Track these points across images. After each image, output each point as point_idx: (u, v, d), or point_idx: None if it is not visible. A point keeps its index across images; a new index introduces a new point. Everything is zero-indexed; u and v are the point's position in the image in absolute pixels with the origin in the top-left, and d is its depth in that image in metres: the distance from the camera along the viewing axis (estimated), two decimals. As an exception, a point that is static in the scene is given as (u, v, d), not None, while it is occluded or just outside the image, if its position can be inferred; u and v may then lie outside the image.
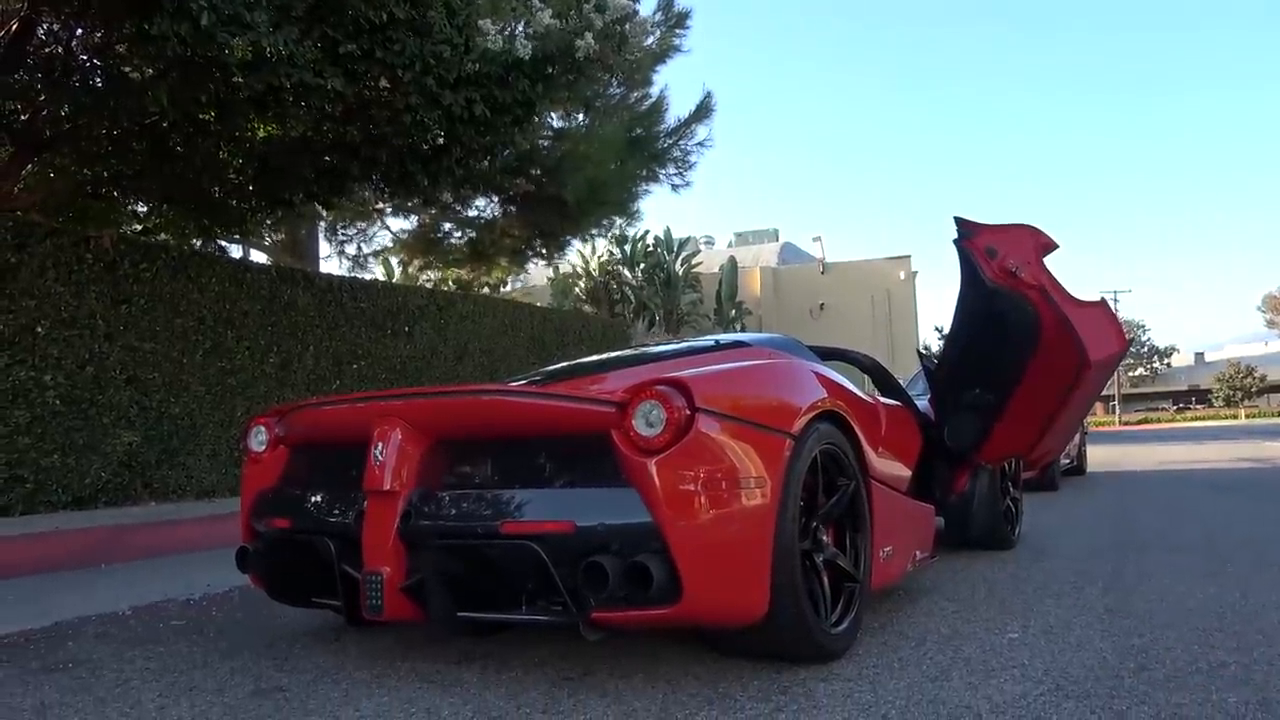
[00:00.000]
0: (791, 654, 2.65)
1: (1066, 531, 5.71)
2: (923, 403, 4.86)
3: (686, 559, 2.31)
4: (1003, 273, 4.07)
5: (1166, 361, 78.51)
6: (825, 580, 2.76)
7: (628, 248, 31.30)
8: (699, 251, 32.74)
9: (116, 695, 2.67)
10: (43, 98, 5.65)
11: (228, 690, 2.68)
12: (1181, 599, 3.48)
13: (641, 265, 31.48)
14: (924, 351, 7.25)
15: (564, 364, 3.76)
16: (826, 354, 4.72)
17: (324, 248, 11.95)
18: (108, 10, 4.88)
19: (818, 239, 35.81)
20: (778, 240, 46.03)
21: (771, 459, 2.50)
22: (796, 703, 2.35)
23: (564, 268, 28.87)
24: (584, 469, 2.48)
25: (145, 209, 8.15)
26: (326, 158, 6.76)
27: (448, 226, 13.76)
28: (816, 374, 3.06)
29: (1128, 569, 4.21)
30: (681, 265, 32.13)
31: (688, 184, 12.43)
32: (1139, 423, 68.14)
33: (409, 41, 5.58)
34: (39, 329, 5.96)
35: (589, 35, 6.19)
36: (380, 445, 2.62)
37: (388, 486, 2.58)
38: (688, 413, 2.36)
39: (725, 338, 3.92)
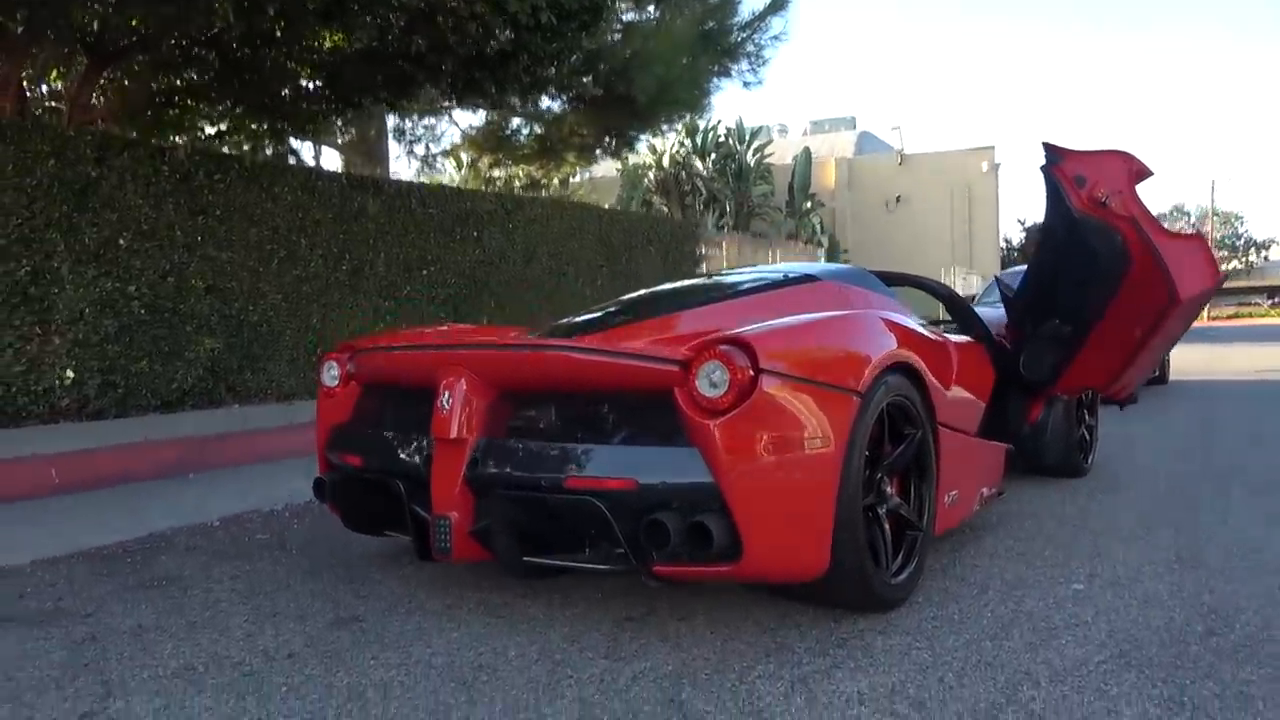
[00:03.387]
0: (851, 605, 2.68)
1: (1143, 457, 5.58)
2: (998, 313, 4.72)
3: (747, 520, 2.32)
4: (1091, 202, 3.86)
5: (1264, 254, 74.62)
6: (887, 530, 2.76)
7: (698, 138, 30.57)
8: (771, 141, 31.80)
9: (206, 620, 2.84)
10: (111, 9, 5.64)
11: (309, 618, 2.83)
12: (1260, 547, 3.40)
13: (712, 156, 30.79)
14: (1000, 276, 6.99)
15: (630, 298, 3.72)
16: (898, 280, 4.60)
17: (394, 148, 11.96)
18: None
19: (896, 128, 34.47)
20: (854, 129, 44.40)
21: (836, 418, 2.47)
22: (854, 659, 2.38)
23: (633, 159, 28.35)
24: (647, 425, 2.48)
25: (218, 114, 8.19)
26: (393, 66, 6.66)
27: (516, 123, 13.59)
28: (886, 321, 2.99)
29: (1202, 508, 4.11)
30: (753, 156, 31.34)
31: (760, 81, 11.99)
32: (1229, 317, 65.40)
33: (473, -53, 5.40)
34: (121, 241, 6.13)
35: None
36: (447, 394, 2.66)
37: (454, 435, 2.63)
38: (751, 374, 2.33)
39: (794, 270, 3.83)
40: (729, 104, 43.10)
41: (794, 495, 2.40)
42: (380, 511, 2.97)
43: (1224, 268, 73.09)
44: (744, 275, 3.89)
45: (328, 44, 6.28)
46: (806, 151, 32.65)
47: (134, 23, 5.70)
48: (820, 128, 45.54)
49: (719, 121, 31.38)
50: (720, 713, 2.09)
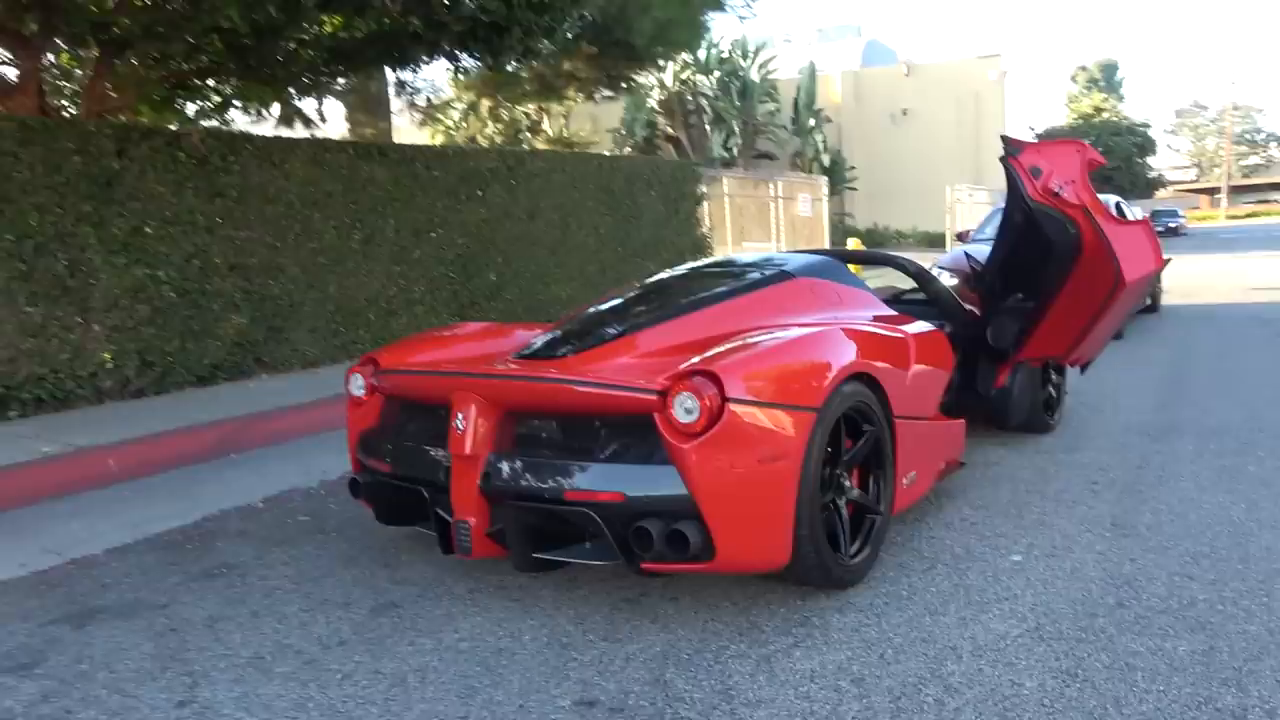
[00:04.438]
0: (813, 584, 3.13)
1: (1109, 403, 5.97)
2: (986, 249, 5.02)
3: (718, 526, 2.75)
4: (1045, 192, 4.17)
5: (1284, 149, 73.35)
6: (845, 518, 3.19)
7: (702, 54, 30.14)
8: (775, 56, 31.32)
9: (265, 608, 3.32)
10: (121, 9, 5.89)
11: (353, 605, 3.31)
12: (1187, 509, 3.82)
13: (716, 74, 30.44)
14: (969, 252, 7.29)
15: (620, 302, 4.06)
16: (871, 260, 4.93)
17: (395, 102, 12.12)
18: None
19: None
20: (860, 36, 43.55)
21: (795, 433, 2.88)
22: (812, 637, 2.84)
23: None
24: (632, 443, 2.90)
25: (226, 90, 8.45)
26: (391, 42, 6.90)
27: (515, 65, 13.68)
28: (846, 330, 3.36)
29: (1152, 464, 4.53)
30: (758, 72, 30.97)
31: (754, 14, 12.01)
32: (1246, 216, 64.68)
33: (463, -65, 5.59)
34: (147, 229, 6.50)
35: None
36: (460, 415, 3.08)
37: (468, 451, 3.05)
38: (719, 401, 2.73)
39: (770, 265, 4.16)
40: (731, 20, 41.91)
41: (758, 502, 2.83)
42: (408, 509, 3.42)
43: (1242, 163, 72.13)
44: (723, 272, 4.24)
45: (328, 29, 6.52)
46: (811, 67, 32.21)
47: (144, 21, 5.95)
48: (825, 36, 44.69)
49: (721, 38, 30.98)
50: (697, 690, 2.56)
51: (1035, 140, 4.28)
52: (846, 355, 3.20)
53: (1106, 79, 71.22)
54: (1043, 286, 4.42)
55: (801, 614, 3.01)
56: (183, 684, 2.77)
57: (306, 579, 3.60)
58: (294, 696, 2.66)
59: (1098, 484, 4.25)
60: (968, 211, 23.68)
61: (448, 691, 2.63)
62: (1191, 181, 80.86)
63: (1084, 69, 71.98)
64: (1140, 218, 4.39)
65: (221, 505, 4.69)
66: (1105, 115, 51.04)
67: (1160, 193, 64.89)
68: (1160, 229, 38.90)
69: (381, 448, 3.54)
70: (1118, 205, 10.30)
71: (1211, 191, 73.58)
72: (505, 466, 3.04)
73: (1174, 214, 41.72)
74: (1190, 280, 15.09)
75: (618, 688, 2.59)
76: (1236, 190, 71.11)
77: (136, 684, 2.79)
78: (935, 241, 26.78)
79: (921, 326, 4.02)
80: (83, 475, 4.89)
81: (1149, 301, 10.76)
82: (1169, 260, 4.77)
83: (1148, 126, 49.93)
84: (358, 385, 3.68)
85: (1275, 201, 66.74)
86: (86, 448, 5.10)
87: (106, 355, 6.29)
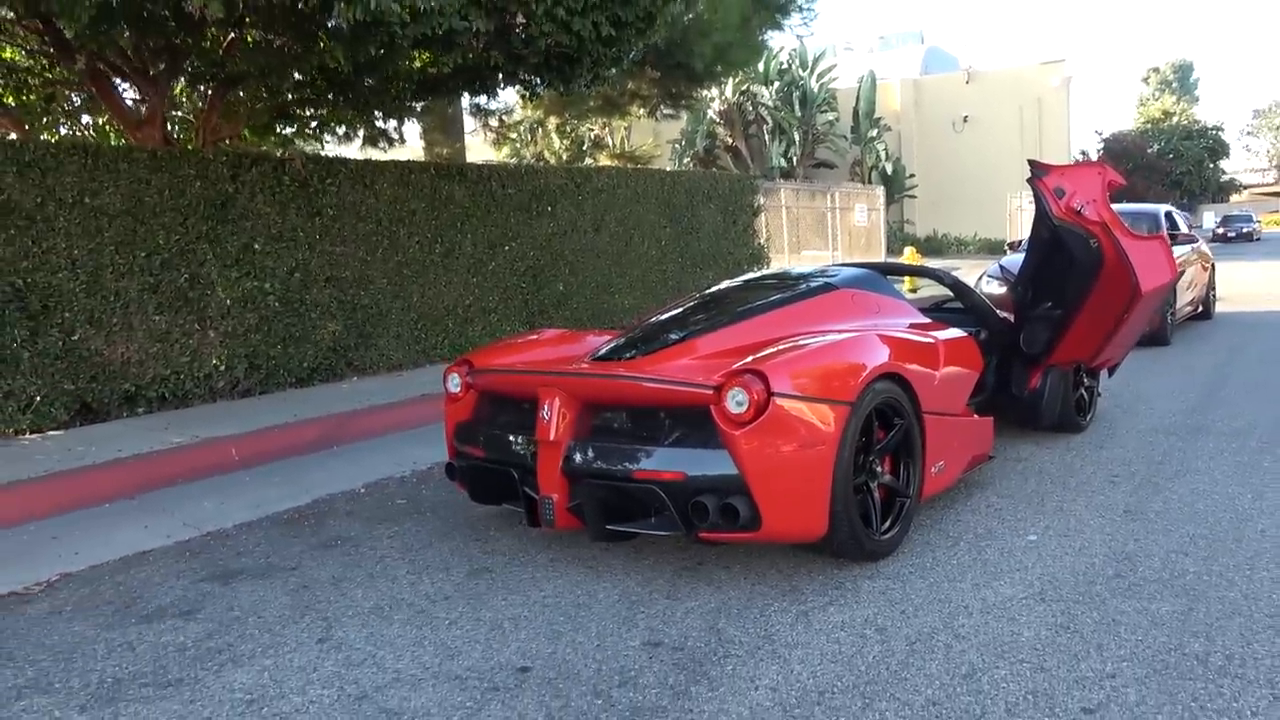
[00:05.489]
0: (848, 557, 3.61)
1: (1144, 406, 6.30)
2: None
3: (764, 500, 3.26)
4: (1069, 211, 4.60)
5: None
6: (878, 498, 3.66)
7: (761, 65, 30.54)
8: (835, 65, 31.59)
9: (379, 571, 3.92)
10: (238, 54, 6.65)
11: (452, 569, 3.88)
12: (1197, 499, 4.20)
13: (775, 85, 30.83)
14: (1004, 264, 7.64)
15: (681, 311, 4.58)
16: (910, 271, 5.39)
17: (469, 122, 12.83)
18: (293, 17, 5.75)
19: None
20: (922, 43, 43.51)
21: (832, 422, 3.37)
22: (844, 597, 3.33)
23: (696, 93, 28.50)
24: (691, 430, 3.42)
25: (322, 116, 9.24)
26: (472, 73, 7.55)
27: (584, 89, 14.33)
28: (881, 335, 3.84)
29: (1172, 459, 4.89)
30: (817, 81, 31.27)
31: (811, 33, 12.50)
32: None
33: (542, -21, 6.19)
34: (256, 245, 7.23)
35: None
36: (546, 407, 3.64)
37: (553, 438, 3.61)
38: (766, 395, 3.24)
39: (816, 278, 4.65)
40: (789, 37, 41.93)
41: (798, 481, 3.32)
42: (498, 489, 4.00)
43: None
44: (773, 284, 4.73)
45: (417, 64, 7.18)
46: (871, 75, 32.41)
47: (260, 62, 6.68)
48: (887, 44, 44.74)
49: (780, 48, 31.33)
50: (744, 635, 3.07)
51: (1080, 159, 4.70)
52: (879, 357, 3.68)
53: (1180, 80, 69.68)
54: (1069, 296, 4.84)
55: (837, 579, 3.50)
56: (320, 626, 3.37)
57: (410, 549, 4.19)
58: (412, 636, 3.23)
59: (1118, 476, 4.64)
60: (1029, 219, 23.66)
61: (538, 634, 3.18)
62: (1271, 184, 78.43)
63: (1156, 70, 70.57)
64: (1159, 233, 4.77)
65: (329, 490, 5.32)
66: (1175, 119, 49.93)
67: (1236, 196, 63.23)
68: (1232, 234, 38.20)
69: (475, 436, 4.12)
70: (1168, 214, 10.49)
71: (1292, 191, 71.33)
72: (584, 451, 3.59)
73: (1248, 219, 40.82)
74: (1249, 287, 15.05)
75: (679, 633, 3.11)
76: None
77: (281, 626, 3.39)
78: (996, 249, 26.74)
79: (953, 332, 4.46)
80: (209, 462, 5.58)
81: (1202, 309, 10.91)
82: (1183, 272, 5.12)
83: (1220, 129, 48.76)
84: (455, 383, 4.27)
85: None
86: (211, 439, 5.80)
87: (218, 361, 7.03)
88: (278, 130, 9.46)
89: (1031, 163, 4.72)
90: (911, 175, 31.82)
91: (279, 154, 7.75)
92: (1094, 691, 2.58)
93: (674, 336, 4.10)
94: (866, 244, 19.47)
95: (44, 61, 8.11)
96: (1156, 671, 2.67)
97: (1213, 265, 11.47)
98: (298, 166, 7.47)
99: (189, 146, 8.03)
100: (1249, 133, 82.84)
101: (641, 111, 15.79)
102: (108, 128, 9.73)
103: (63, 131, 9.71)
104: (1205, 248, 11.26)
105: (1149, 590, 3.23)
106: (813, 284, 4.56)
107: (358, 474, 5.65)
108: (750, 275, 5.40)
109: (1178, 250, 9.39)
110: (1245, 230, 38.61)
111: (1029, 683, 2.65)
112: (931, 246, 28.83)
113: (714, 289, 5.01)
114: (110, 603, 3.68)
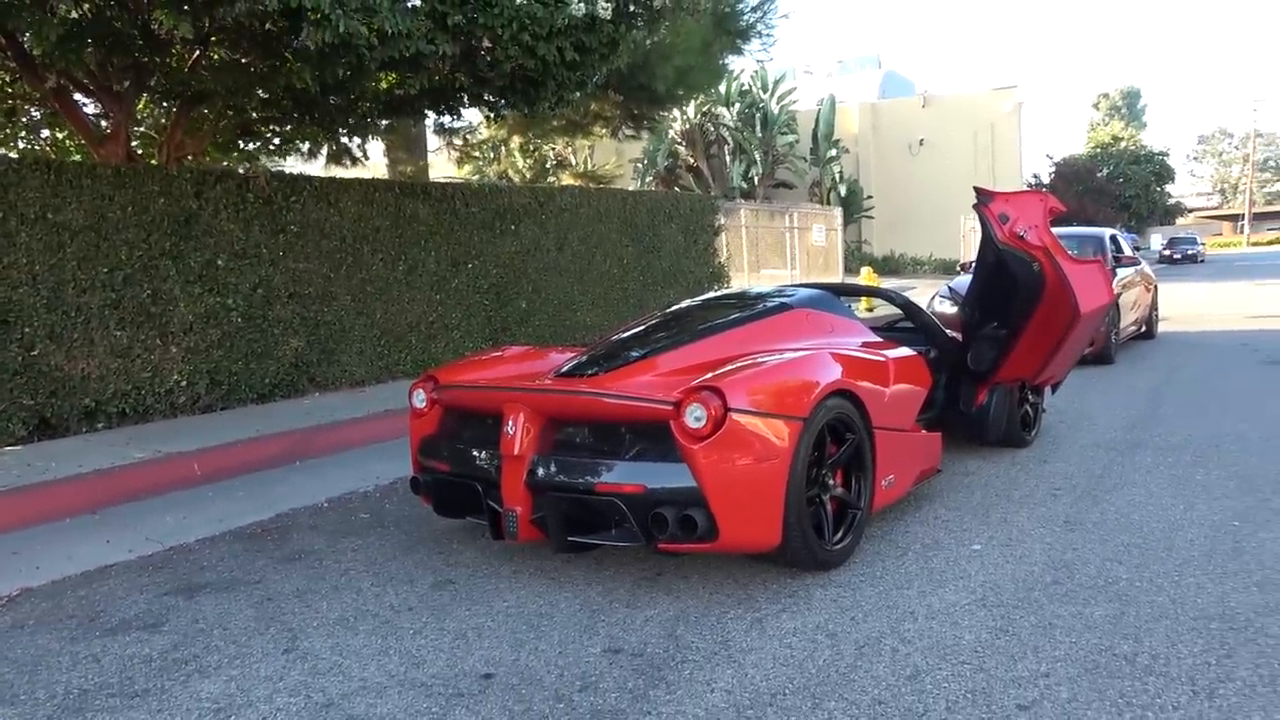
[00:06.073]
0: (802, 566, 3.75)
1: (1087, 422, 6.54)
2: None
3: (721, 512, 3.39)
4: (1012, 236, 4.81)
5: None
6: (830, 510, 3.81)
7: (723, 87, 30.95)
8: (795, 88, 32.13)
9: (344, 584, 3.98)
10: (206, 73, 6.70)
11: (416, 581, 3.96)
12: (1133, 510, 4.41)
13: (736, 106, 31.26)
14: (952, 286, 7.91)
15: (643, 329, 4.72)
16: (864, 293, 5.57)
17: (432, 140, 12.92)
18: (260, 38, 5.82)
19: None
20: (879, 68, 44.42)
21: (786, 437, 3.51)
22: (797, 604, 3.46)
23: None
24: (651, 444, 3.54)
25: (285, 132, 9.27)
26: (437, 95, 7.65)
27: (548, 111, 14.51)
28: (833, 354, 4.00)
29: (1112, 473, 5.11)
30: (778, 104, 31.75)
31: (771, 59, 12.75)
32: (1269, 243, 64.75)
33: (507, 5, 6.33)
34: (219, 261, 7.25)
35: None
36: (510, 422, 3.74)
37: (517, 452, 3.71)
38: (723, 411, 3.37)
39: (772, 298, 4.82)
40: (749, 61, 42.52)
41: (753, 493, 3.46)
42: (462, 502, 4.08)
43: (1265, 190, 72.16)
44: (731, 304, 4.89)
45: (383, 85, 7.28)
46: (831, 99, 32.97)
47: (226, 81, 6.74)
48: (846, 68, 45.60)
49: (741, 70, 31.77)
50: (701, 642, 3.19)
51: (1032, 182, 4.93)
52: (831, 374, 3.84)
53: (1129, 106, 71.76)
54: (1013, 317, 5.05)
55: (790, 588, 3.63)
56: (285, 638, 3.43)
57: (374, 562, 4.26)
58: (378, 646, 3.31)
59: (1059, 489, 4.85)
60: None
61: (501, 642, 3.27)
62: (1215, 208, 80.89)
63: (1106, 96, 72.58)
64: (1099, 256, 5.01)
65: (292, 504, 5.36)
66: (1123, 144, 51.39)
67: (1182, 219, 65.09)
68: (1178, 255, 39.30)
69: (440, 451, 4.20)
70: (1113, 237, 10.87)
71: (1235, 218, 73.62)
72: (547, 465, 3.69)
73: (1193, 241, 42.03)
74: (1192, 308, 15.56)
75: (638, 640, 3.23)
76: (1260, 217, 71.14)
77: (247, 637, 3.45)
78: (950, 269, 27.30)
79: (902, 351, 4.64)
80: (171, 477, 5.60)
81: (1145, 329, 11.30)
82: (1120, 294, 5.37)
83: (1166, 155, 50.28)
84: (420, 398, 4.36)
85: (1299, 228, 66.68)
86: (173, 454, 5.81)
87: (181, 375, 7.02)
88: (241, 147, 9.49)
89: (977, 189, 4.93)
90: (869, 196, 32.40)
91: (243, 171, 7.78)
92: (1029, 690, 2.74)
93: (635, 354, 4.22)
94: (825, 264, 19.82)
95: (4, 77, 8.08)
96: (1088, 671, 2.84)
97: (1155, 287, 11.88)
98: (262, 183, 7.51)
99: (153, 163, 8.05)
100: (1194, 158, 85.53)
101: (604, 132, 15.99)
102: (68, 143, 9.69)
103: (21, 146, 9.64)
104: (1148, 269, 11.68)
105: (1084, 596, 3.41)
106: (769, 304, 4.72)
107: (321, 489, 5.70)
108: (710, 294, 5.56)
109: (1121, 272, 9.79)
110: (1190, 252, 39.76)
111: (969, 682, 2.80)
112: (889, 266, 29.35)
113: (675, 307, 5.15)
114: (74, 616, 3.71)
